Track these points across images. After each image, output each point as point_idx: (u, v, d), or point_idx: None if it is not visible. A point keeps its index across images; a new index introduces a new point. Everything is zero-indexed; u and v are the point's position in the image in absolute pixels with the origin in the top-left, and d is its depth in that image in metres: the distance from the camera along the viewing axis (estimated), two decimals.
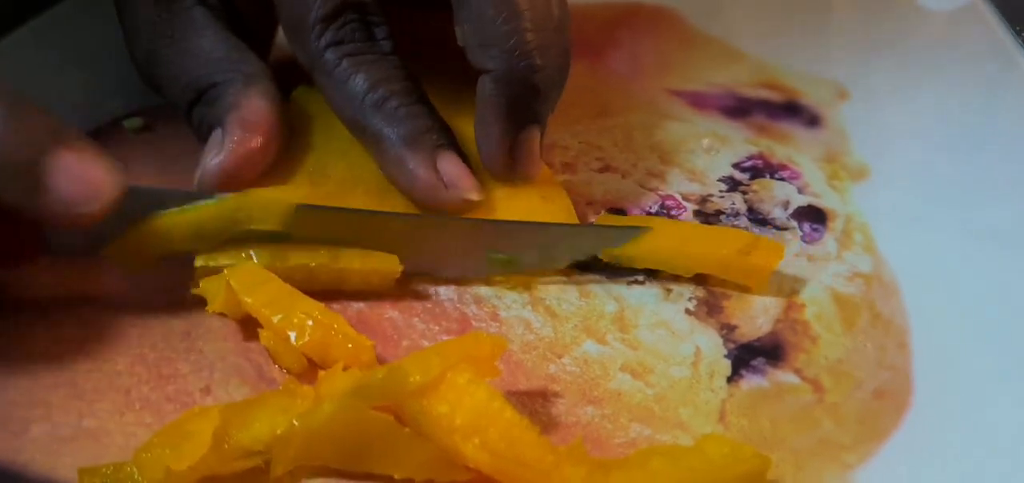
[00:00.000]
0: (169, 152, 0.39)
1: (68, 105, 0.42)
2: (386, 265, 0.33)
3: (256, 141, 0.35)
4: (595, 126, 0.43)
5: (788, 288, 0.34)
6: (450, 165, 0.34)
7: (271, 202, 0.32)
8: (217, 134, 0.35)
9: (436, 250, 0.34)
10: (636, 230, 0.34)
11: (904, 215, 0.38)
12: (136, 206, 0.31)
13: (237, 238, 0.32)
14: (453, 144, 0.35)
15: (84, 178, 0.29)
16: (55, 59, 0.46)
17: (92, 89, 0.44)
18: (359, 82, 0.35)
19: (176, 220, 0.32)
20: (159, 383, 0.30)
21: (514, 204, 0.35)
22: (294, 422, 0.26)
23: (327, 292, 0.33)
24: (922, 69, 0.49)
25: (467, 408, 0.26)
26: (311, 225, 0.33)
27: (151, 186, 0.33)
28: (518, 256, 0.34)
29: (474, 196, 0.34)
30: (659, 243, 0.34)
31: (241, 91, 0.36)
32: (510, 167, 0.35)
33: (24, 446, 0.28)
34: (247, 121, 0.35)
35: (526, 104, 0.34)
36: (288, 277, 0.32)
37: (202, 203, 0.32)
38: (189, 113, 0.37)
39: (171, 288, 0.33)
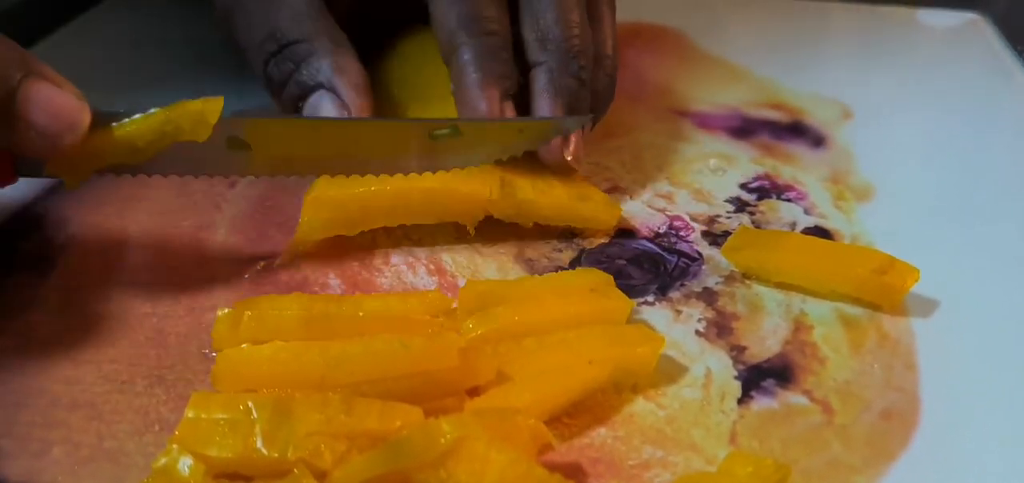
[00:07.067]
0: None
1: None
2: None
3: (366, 101, 0.37)
4: (603, 147, 0.43)
5: (796, 309, 0.35)
6: (512, 115, 0.37)
7: (199, 113, 0.32)
8: (324, 98, 0.37)
9: (383, 148, 0.35)
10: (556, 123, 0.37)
11: (909, 235, 0.38)
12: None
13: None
14: (517, 101, 0.38)
15: (59, 109, 0.30)
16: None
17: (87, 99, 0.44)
18: (474, 5, 0.37)
19: (109, 136, 0.32)
20: (178, 404, 0.30)
21: (551, 199, 0.37)
22: None
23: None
24: (924, 87, 0.50)
25: (493, 476, 0.25)
26: (258, 133, 0.34)
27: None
28: (456, 126, 0.35)
29: None
30: (796, 259, 0.35)
31: (341, 56, 0.38)
32: (560, 153, 0.37)
33: (46, 467, 0.28)
34: (359, 85, 0.37)
35: (573, 95, 0.38)
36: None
37: (131, 119, 0.32)
38: (265, 65, 0.38)
39: (190, 308, 0.34)
